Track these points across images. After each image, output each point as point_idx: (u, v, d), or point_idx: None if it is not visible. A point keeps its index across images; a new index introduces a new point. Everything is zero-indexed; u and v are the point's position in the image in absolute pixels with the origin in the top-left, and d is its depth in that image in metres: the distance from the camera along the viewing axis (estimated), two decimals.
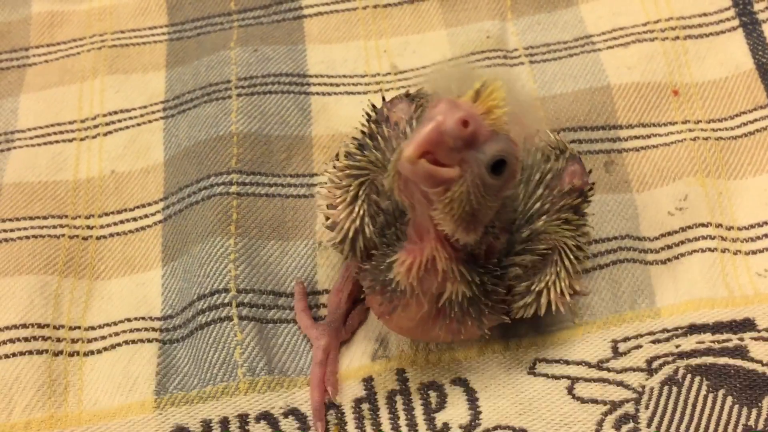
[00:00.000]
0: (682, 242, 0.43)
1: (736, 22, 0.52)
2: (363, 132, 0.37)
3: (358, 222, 0.35)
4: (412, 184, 0.31)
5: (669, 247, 0.43)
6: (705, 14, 0.52)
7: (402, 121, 0.35)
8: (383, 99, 0.39)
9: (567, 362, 0.39)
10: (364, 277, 0.36)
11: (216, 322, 0.41)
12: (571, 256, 0.35)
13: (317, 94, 0.51)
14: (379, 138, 0.36)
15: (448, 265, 0.33)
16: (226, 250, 0.43)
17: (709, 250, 0.43)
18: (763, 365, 0.38)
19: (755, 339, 0.39)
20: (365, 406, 0.38)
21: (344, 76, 0.52)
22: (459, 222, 0.31)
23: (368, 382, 0.39)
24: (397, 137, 0.35)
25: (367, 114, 0.38)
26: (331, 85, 0.52)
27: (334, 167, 0.37)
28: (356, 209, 0.35)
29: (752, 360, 0.38)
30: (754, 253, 0.43)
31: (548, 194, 0.35)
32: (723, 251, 0.43)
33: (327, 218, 0.37)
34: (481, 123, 0.30)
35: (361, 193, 0.35)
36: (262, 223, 0.45)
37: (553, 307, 0.36)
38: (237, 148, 0.47)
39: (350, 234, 0.35)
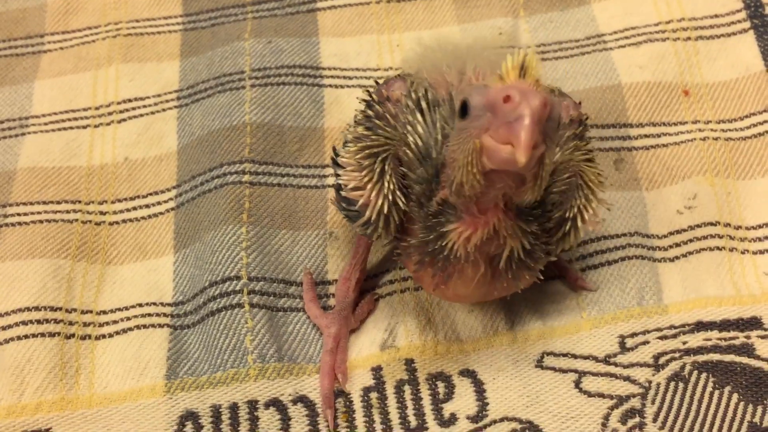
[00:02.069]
0: (691, 240, 0.44)
1: (747, 24, 0.52)
2: (366, 115, 0.37)
3: (390, 196, 0.35)
4: (497, 176, 0.31)
5: (677, 245, 0.43)
6: (716, 16, 0.52)
7: (402, 98, 0.36)
8: (376, 83, 0.39)
9: (574, 356, 0.40)
10: (408, 255, 0.36)
11: (227, 308, 0.41)
12: (591, 177, 0.36)
13: (330, 86, 0.51)
14: (387, 116, 0.36)
15: (510, 229, 0.33)
16: (238, 238, 0.43)
17: (717, 248, 0.43)
18: None
19: (762, 337, 0.39)
20: (373, 395, 0.39)
21: (357, 69, 0.52)
22: (541, 187, 0.32)
23: (377, 371, 0.40)
24: (402, 112, 0.35)
25: (366, 99, 0.38)
26: (344, 77, 0.52)
27: (345, 154, 0.37)
28: (386, 184, 0.35)
29: (758, 358, 0.38)
30: (761, 252, 0.43)
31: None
32: (731, 250, 0.43)
33: (350, 203, 0.37)
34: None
35: (386, 168, 0.35)
36: (274, 213, 0.45)
37: (590, 228, 0.36)
38: (250, 138, 0.47)
39: (385, 209, 0.35)
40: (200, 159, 0.47)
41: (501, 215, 0.33)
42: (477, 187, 0.32)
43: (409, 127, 0.34)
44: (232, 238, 0.43)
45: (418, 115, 0.34)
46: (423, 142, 0.34)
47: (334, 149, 0.40)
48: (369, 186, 0.35)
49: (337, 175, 0.37)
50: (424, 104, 0.34)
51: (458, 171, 0.32)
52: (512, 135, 0.29)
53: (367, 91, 0.38)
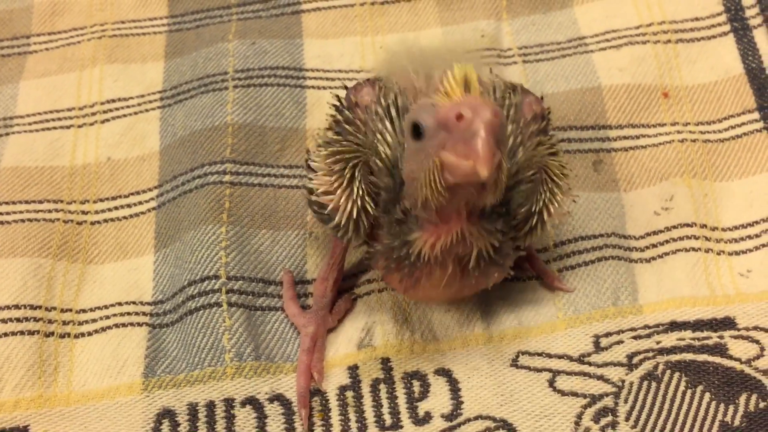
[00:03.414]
0: (667, 241, 0.44)
1: (727, 27, 0.52)
2: (336, 120, 0.38)
3: (360, 202, 0.35)
4: (459, 187, 0.32)
5: (654, 246, 0.44)
6: (697, 19, 0.53)
7: (372, 104, 0.36)
8: (346, 87, 0.40)
9: (549, 355, 0.40)
10: (376, 260, 0.36)
11: (205, 307, 0.41)
12: (556, 171, 0.37)
13: (313, 87, 0.51)
14: (357, 122, 0.36)
15: (476, 232, 0.34)
16: (217, 238, 0.43)
17: (693, 249, 0.43)
18: (741, 363, 0.39)
19: (734, 337, 0.39)
20: (349, 393, 0.39)
21: (340, 70, 0.53)
22: (501, 189, 0.33)
23: (353, 370, 0.40)
24: (372, 119, 0.36)
25: (336, 104, 0.39)
26: (327, 79, 0.52)
27: (317, 158, 0.37)
28: (355, 190, 0.35)
29: (731, 358, 0.39)
30: (737, 253, 0.43)
31: (517, 128, 0.36)
32: (707, 251, 0.43)
33: (321, 207, 0.37)
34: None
35: (356, 174, 0.36)
36: (254, 212, 0.45)
37: (557, 221, 0.37)
38: (232, 139, 0.48)
39: (354, 214, 0.36)
40: (182, 159, 0.48)
41: (464, 222, 0.34)
42: (442, 201, 0.32)
43: (379, 136, 0.34)
44: (211, 238, 0.43)
45: (387, 124, 0.35)
46: (391, 151, 0.34)
47: (307, 151, 0.40)
48: (339, 191, 0.36)
49: (309, 179, 0.38)
50: (393, 112, 0.35)
51: (421, 188, 0.33)
52: (471, 151, 0.30)
53: (337, 96, 0.39)
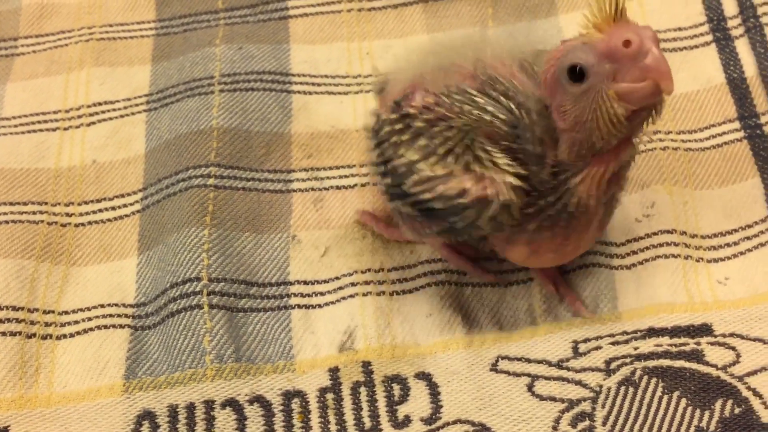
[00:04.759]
0: (647, 248, 0.44)
1: (709, 38, 0.53)
2: (416, 131, 0.37)
3: (511, 175, 0.34)
4: (637, 115, 0.33)
5: (634, 252, 0.44)
6: (680, 29, 0.53)
7: (434, 99, 0.36)
8: (398, 103, 0.38)
9: (528, 360, 0.40)
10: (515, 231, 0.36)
11: (187, 309, 0.41)
12: None
13: (299, 92, 0.52)
14: (448, 114, 0.36)
15: (625, 165, 0.36)
16: (200, 240, 0.44)
17: (673, 256, 0.44)
18: (717, 369, 0.39)
19: (711, 344, 0.40)
20: (330, 395, 0.39)
21: (326, 76, 0.53)
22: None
23: (334, 372, 0.40)
24: (464, 103, 0.35)
25: (397, 119, 0.38)
26: (313, 84, 0.53)
27: (427, 168, 0.36)
28: (500, 164, 0.34)
29: (707, 364, 0.39)
30: (715, 261, 0.44)
31: None
32: (686, 258, 0.44)
33: (458, 212, 0.36)
34: None
35: (487, 156, 0.35)
36: (238, 216, 0.46)
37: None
38: (217, 142, 0.48)
39: (509, 191, 0.35)
40: (167, 162, 0.48)
41: (615, 157, 0.34)
42: (622, 132, 0.33)
43: (490, 108, 0.35)
44: (194, 240, 0.44)
45: (492, 92, 0.35)
46: (512, 113, 0.35)
47: (391, 183, 0.38)
48: (482, 180, 0.35)
49: (430, 200, 0.36)
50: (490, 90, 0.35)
51: (595, 128, 0.33)
52: (650, 71, 0.31)
53: (378, 115, 0.39)
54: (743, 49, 0.51)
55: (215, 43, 0.54)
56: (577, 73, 0.32)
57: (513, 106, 0.35)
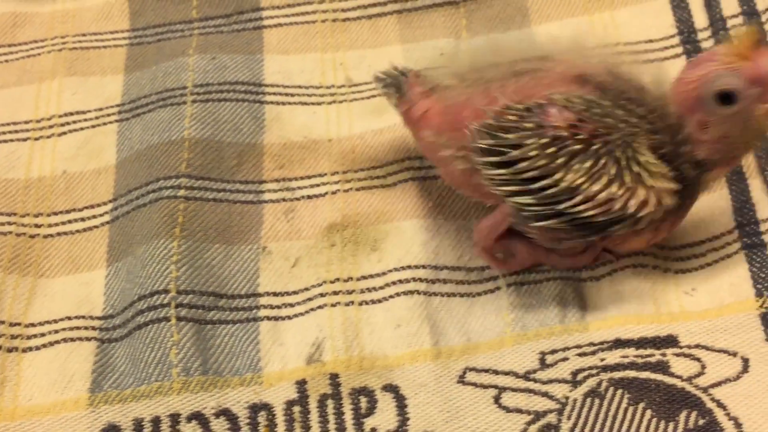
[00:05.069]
0: (616, 259, 0.45)
1: (680, 50, 0.53)
2: (574, 152, 0.38)
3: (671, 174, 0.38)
4: None
5: (604, 263, 0.45)
6: (651, 41, 0.54)
7: (576, 116, 0.38)
8: (539, 107, 0.38)
9: (496, 372, 0.40)
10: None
11: (154, 322, 0.41)
12: None
13: (272, 103, 0.52)
14: (599, 128, 0.38)
15: None
16: (168, 252, 0.44)
17: (642, 266, 0.44)
18: (682, 380, 0.39)
19: (677, 355, 0.40)
20: (296, 408, 0.39)
21: (299, 86, 0.53)
22: None
23: (301, 384, 0.40)
24: (601, 113, 0.38)
25: (555, 136, 0.38)
26: (286, 95, 0.53)
27: (580, 178, 0.38)
28: (653, 171, 0.38)
29: (672, 375, 0.39)
30: (683, 272, 0.44)
31: None
32: (654, 268, 0.44)
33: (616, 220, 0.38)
34: None
35: (638, 162, 0.38)
36: (208, 227, 0.45)
37: None
38: (188, 153, 0.48)
39: (665, 195, 0.38)
40: (137, 173, 0.48)
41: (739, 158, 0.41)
42: (760, 144, 0.41)
43: (634, 120, 0.38)
44: (162, 252, 0.44)
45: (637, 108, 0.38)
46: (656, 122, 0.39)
47: (537, 203, 0.38)
48: (640, 186, 0.38)
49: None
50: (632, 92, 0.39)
51: (741, 144, 0.39)
52: None
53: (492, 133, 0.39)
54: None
55: (188, 53, 0.54)
56: (727, 98, 0.37)
57: (648, 112, 0.39)
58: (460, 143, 0.40)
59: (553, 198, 0.38)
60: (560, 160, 0.38)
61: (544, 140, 0.38)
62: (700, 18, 0.53)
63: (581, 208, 0.38)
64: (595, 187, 0.37)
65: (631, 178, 0.38)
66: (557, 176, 0.38)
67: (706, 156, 0.39)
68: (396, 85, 0.44)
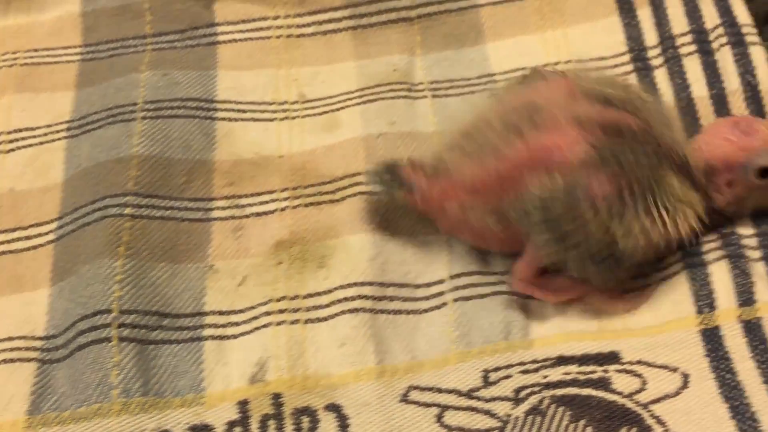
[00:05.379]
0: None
1: (630, 67, 0.54)
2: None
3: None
4: None
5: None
6: (602, 58, 0.54)
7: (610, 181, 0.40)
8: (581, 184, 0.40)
9: (439, 390, 0.40)
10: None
11: (95, 342, 0.41)
12: None
13: (223, 119, 0.52)
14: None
15: None
16: (112, 271, 0.43)
17: None
18: (623, 397, 0.40)
19: (618, 371, 0.40)
20: (238, 429, 0.39)
21: (252, 102, 0.53)
22: None
23: (243, 405, 0.40)
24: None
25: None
26: (239, 111, 0.53)
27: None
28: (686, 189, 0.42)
29: (613, 392, 0.40)
30: (626, 291, 0.44)
31: None
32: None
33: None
34: None
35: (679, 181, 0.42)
36: (154, 246, 0.45)
37: None
38: (136, 171, 0.48)
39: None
40: (84, 191, 0.48)
41: None
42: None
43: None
44: (106, 271, 0.43)
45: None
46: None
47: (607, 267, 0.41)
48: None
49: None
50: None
51: (749, 206, 0.43)
52: None
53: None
54: (662, 78, 0.52)
55: (140, 69, 0.54)
56: (765, 173, 0.42)
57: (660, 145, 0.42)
58: (492, 208, 0.42)
59: (611, 254, 0.41)
60: (616, 220, 0.40)
61: (598, 209, 0.40)
62: (650, 36, 0.54)
63: (639, 252, 0.41)
64: (652, 229, 0.40)
65: (673, 208, 0.41)
66: (615, 235, 0.40)
67: (719, 205, 0.43)
68: (399, 182, 0.44)
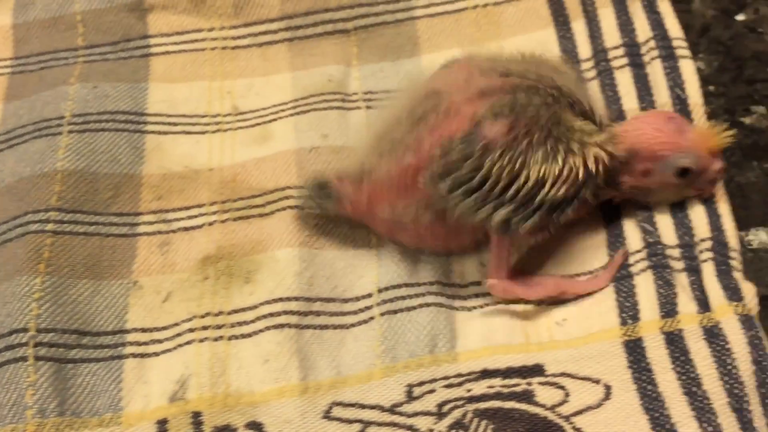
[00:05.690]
0: (489, 294, 0.45)
1: None
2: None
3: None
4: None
5: (477, 295, 0.45)
6: None
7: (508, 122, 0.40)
8: (473, 132, 0.40)
9: (362, 406, 0.40)
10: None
11: (10, 362, 0.40)
12: None
13: (153, 132, 0.51)
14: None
15: None
16: (30, 289, 0.42)
17: (514, 301, 0.44)
18: (546, 409, 0.40)
19: (542, 384, 0.40)
20: None
21: (183, 115, 0.52)
22: None
23: (162, 424, 0.39)
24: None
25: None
26: (169, 124, 0.52)
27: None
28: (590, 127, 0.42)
29: (536, 404, 0.40)
30: (556, 304, 0.44)
31: None
32: (526, 302, 0.44)
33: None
34: None
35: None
36: (76, 262, 0.44)
37: None
38: (60, 186, 0.47)
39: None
40: (7, 207, 0.47)
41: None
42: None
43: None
44: (24, 289, 0.42)
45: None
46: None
47: (514, 209, 0.41)
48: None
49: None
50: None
51: (667, 197, 0.44)
52: (710, 190, 0.44)
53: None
54: (594, 91, 0.52)
55: (70, 82, 0.53)
56: (685, 173, 0.43)
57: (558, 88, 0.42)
58: (418, 202, 0.42)
59: (528, 196, 0.40)
60: (519, 162, 0.40)
61: (496, 153, 0.40)
62: (584, 48, 0.54)
63: (554, 191, 0.40)
64: (557, 167, 0.40)
65: (577, 145, 0.41)
66: (523, 177, 0.40)
67: (626, 188, 0.44)
68: (328, 196, 0.44)
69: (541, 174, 0.40)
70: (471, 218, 0.41)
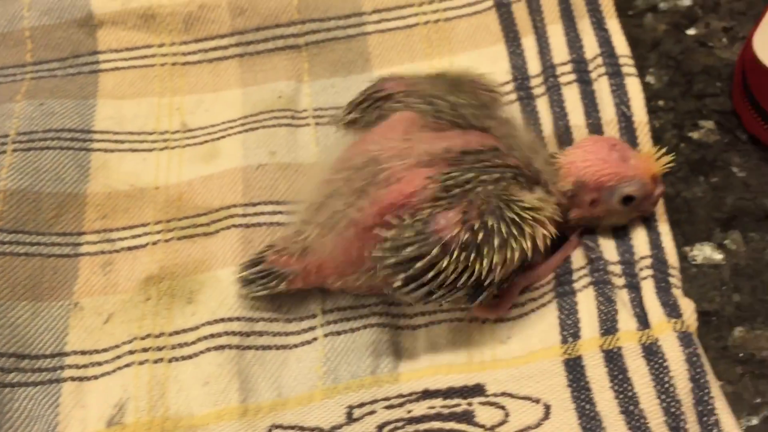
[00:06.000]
0: (435, 311, 0.45)
1: (514, 96, 0.54)
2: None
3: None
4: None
5: (422, 314, 0.45)
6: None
7: (461, 214, 0.40)
8: (428, 220, 0.39)
9: (302, 428, 0.40)
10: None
11: None
12: None
13: (99, 150, 0.51)
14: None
15: None
16: None
17: (458, 320, 0.44)
18: (485, 430, 0.40)
19: (482, 404, 0.40)
20: None
21: (131, 132, 0.52)
22: None
23: None
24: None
25: None
26: (116, 141, 0.52)
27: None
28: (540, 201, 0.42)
29: (476, 425, 0.40)
30: (501, 321, 0.44)
31: None
32: (470, 321, 0.44)
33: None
34: None
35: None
36: (16, 284, 0.44)
37: None
38: (1, 206, 0.46)
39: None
40: None
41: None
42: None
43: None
44: None
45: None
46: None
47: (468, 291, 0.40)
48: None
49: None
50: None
51: (613, 221, 0.45)
52: (651, 209, 0.46)
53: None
54: (543, 107, 0.53)
55: (16, 99, 0.52)
56: (629, 200, 0.44)
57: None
58: (368, 270, 0.41)
59: (479, 281, 0.40)
60: (473, 256, 0.39)
61: (451, 250, 0.39)
62: (533, 64, 0.54)
63: (504, 271, 0.40)
64: (510, 253, 0.40)
65: (530, 228, 0.40)
66: (477, 268, 0.39)
67: (572, 217, 0.45)
68: (272, 276, 0.43)
69: (495, 262, 0.39)
70: (421, 301, 0.40)
